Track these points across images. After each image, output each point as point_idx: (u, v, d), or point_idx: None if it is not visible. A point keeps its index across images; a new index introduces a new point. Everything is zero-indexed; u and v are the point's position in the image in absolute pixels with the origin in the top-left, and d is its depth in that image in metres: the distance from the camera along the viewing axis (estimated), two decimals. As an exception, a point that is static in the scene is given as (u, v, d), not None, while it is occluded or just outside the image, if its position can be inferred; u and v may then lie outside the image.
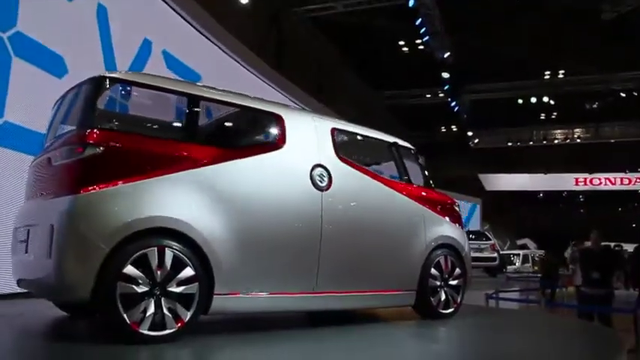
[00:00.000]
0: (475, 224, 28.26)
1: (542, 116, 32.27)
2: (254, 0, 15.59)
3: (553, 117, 32.37)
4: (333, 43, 21.63)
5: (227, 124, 4.64)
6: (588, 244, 9.53)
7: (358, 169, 4.77)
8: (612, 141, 32.07)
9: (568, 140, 33.18)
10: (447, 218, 5.43)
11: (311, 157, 4.41)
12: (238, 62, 11.14)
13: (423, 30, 19.74)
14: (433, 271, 5.08)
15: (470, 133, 33.52)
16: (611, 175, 35.40)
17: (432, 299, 5.06)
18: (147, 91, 3.96)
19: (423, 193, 5.33)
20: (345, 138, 4.90)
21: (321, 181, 4.36)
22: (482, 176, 36.81)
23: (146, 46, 8.22)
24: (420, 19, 19.18)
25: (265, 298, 3.98)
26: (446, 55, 21.55)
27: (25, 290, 4.15)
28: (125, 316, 3.24)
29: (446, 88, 25.64)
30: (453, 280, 5.26)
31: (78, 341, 3.83)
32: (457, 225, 5.54)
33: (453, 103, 27.77)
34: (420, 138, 31.12)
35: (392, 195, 5.00)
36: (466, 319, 5.57)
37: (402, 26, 20.26)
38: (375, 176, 4.94)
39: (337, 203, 4.42)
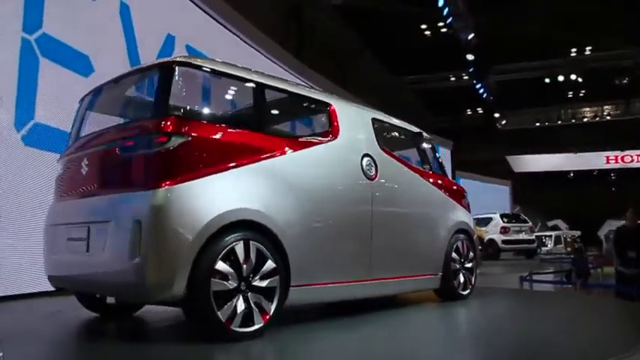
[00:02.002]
0: (505, 207, 27.97)
1: (570, 94, 31.57)
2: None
3: (581, 95, 31.66)
4: (354, 29, 21.44)
5: (289, 113, 4.71)
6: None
7: (395, 159, 4.93)
8: (643, 117, 31.31)
9: (597, 118, 32.44)
10: (460, 204, 5.73)
11: (360, 147, 4.53)
12: (261, 53, 11.17)
13: (445, 12, 19.43)
14: (454, 255, 5.37)
15: (497, 115, 33.02)
16: (643, 152, 34.58)
17: (454, 282, 5.37)
18: (216, 78, 3.82)
19: (443, 181, 5.59)
20: (381, 127, 5.00)
21: (369, 171, 4.49)
22: (510, 158, 36.37)
23: (170, 42, 8.27)
24: (442, 1, 18.89)
25: (332, 288, 4.05)
26: (470, 37, 21.21)
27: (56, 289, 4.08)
28: (219, 313, 3.15)
29: (471, 70, 25.25)
30: (468, 262, 5.58)
31: (148, 338, 3.87)
32: (467, 211, 5.87)
33: (479, 85, 27.37)
34: (446, 122, 30.91)
35: (424, 183, 5.26)
36: (501, 301, 5.62)
37: (423, 9, 19.98)
38: (408, 165, 5.15)
39: (383, 192, 4.58)
